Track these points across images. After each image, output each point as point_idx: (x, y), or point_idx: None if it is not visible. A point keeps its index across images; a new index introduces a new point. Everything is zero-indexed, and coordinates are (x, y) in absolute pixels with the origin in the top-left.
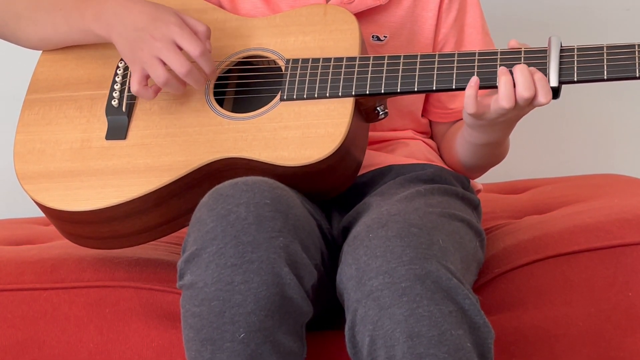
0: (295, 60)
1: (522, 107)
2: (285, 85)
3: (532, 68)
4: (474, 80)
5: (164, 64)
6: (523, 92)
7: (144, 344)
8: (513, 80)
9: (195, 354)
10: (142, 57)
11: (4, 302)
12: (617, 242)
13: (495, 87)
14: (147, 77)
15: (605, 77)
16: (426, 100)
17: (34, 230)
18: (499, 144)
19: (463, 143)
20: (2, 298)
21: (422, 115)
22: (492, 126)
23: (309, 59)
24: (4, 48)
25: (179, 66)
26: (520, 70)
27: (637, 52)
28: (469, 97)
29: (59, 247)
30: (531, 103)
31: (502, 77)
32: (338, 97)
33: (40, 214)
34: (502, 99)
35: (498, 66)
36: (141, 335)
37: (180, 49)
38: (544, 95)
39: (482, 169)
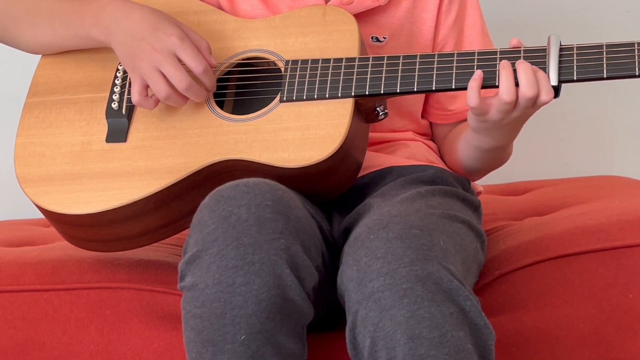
0: (295, 61)
1: (524, 107)
2: (284, 86)
3: (534, 67)
4: (478, 74)
5: (165, 77)
6: (526, 91)
7: (145, 345)
8: (515, 76)
9: (196, 355)
10: (142, 67)
11: (5, 303)
12: (618, 243)
13: (495, 86)
14: (147, 87)
15: (604, 76)
16: (426, 102)
17: (35, 232)
18: (504, 149)
19: (467, 147)
20: (3, 299)
21: (422, 117)
22: (496, 129)
23: (308, 60)
24: (4, 51)
25: (179, 81)
26: (523, 70)
27: (636, 50)
28: (472, 89)
29: (60, 248)
30: (535, 103)
31: (503, 71)
32: (338, 97)
33: (41, 215)
34: (502, 92)
35: (497, 65)
36: (142, 337)
37: (181, 62)
38: (546, 93)
39: (484, 172)
